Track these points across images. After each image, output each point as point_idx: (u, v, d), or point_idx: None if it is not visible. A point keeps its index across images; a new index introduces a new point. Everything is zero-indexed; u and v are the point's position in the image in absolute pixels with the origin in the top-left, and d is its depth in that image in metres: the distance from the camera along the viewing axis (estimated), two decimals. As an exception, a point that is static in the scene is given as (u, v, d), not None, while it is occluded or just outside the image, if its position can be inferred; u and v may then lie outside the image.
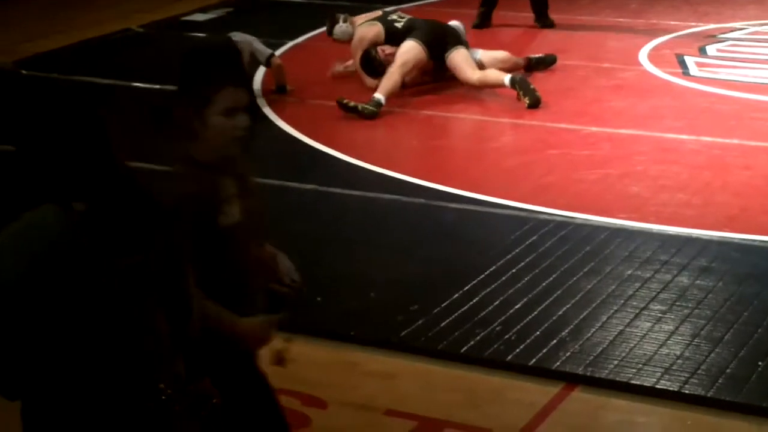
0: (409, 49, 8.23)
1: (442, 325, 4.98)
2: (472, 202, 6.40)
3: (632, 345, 4.79)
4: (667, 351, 4.73)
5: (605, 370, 4.61)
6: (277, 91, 8.50)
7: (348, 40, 8.64)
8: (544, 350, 4.76)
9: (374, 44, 8.46)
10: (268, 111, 8.18)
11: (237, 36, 8.43)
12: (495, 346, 4.79)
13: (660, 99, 8.21)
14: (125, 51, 10.16)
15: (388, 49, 8.44)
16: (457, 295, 5.25)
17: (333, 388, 4.58)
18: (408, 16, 8.65)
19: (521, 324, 4.98)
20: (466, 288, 5.32)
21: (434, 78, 8.58)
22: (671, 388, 4.48)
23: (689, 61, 9.09)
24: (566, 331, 4.91)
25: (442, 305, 5.15)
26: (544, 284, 5.35)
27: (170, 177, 3.08)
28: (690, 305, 5.12)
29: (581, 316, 5.04)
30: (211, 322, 2.94)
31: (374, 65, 8.40)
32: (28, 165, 2.55)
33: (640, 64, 9.07)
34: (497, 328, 4.95)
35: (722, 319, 4.99)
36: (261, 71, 8.83)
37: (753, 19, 10.37)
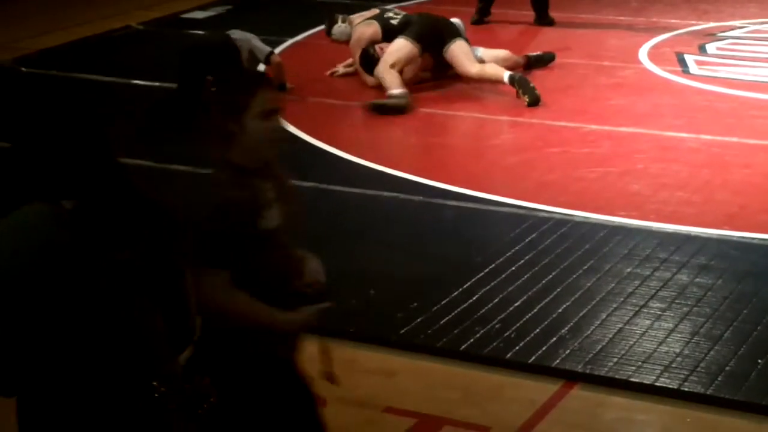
0: (400, 48, 8.24)
1: (442, 322, 4.98)
2: (472, 199, 6.40)
3: (632, 342, 4.79)
4: (666, 349, 4.74)
5: (605, 368, 4.61)
6: (276, 89, 8.48)
7: (346, 40, 8.67)
8: (544, 348, 4.76)
9: (372, 43, 8.49)
10: (267, 108, 8.17)
11: (236, 34, 8.44)
12: (494, 343, 4.80)
13: (660, 97, 8.21)
14: (125, 48, 10.16)
15: (386, 46, 8.44)
16: (456, 292, 5.25)
17: (332, 385, 4.57)
18: (404, 13, 8.67)
19: (520, 321, 4.98)
20: (466, 285, 5.32)
21: (434, 75, 8.59)
22: (671, 386, 4.48)
23: (689, 59, 9.09)
24: (566, 328, 4.91)
25: (442, 303, 5.15)
26: (543, 282, 5.35)
27: (210, 183, 3.09)
28: (689, 303, 5.12)
29: (581, 314, 5.04)
30: (249, 317, 2.97)
31: (373, 63, 8.41)
32: (22, 162, 2.55)
33: (640, 63, 9.07)
34: (496, 326, 4.95)
35: (722, 316, 5.00)
36: (260, 69, 8.82)
37: (753, 17, 10.37)
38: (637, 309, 5.08)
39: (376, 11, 8.74)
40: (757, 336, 4.83)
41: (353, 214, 6.31)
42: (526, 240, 5.81)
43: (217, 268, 2.96)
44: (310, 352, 3.25)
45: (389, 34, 8.44)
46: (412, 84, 8.41)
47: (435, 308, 5.10)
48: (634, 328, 4.92)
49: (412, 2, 11.15)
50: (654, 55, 9.24)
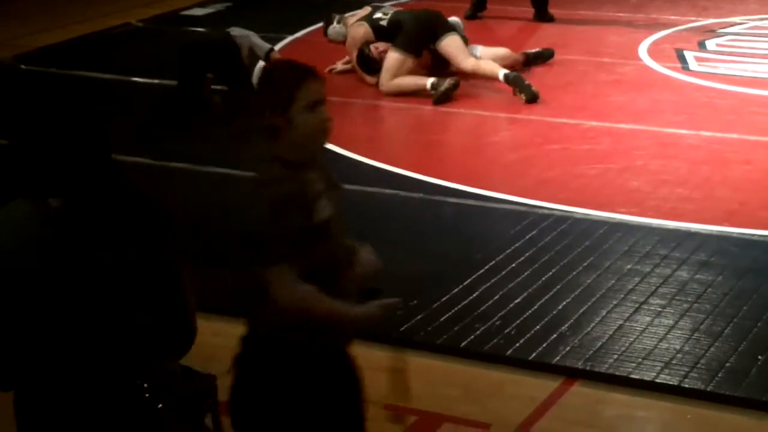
0: (393, 63, 8.25)
1: (442, 319, 4.98)
2: (472, 196, 6.39)
3: (632, 339, 4.79)
4: (666, 345, 4.74)
5: (605, 365, 4.61)
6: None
7: (342, 40, 8.73)
8: (544, 345, 4.76)
9: (366, 43, 8.51)
10: (267, 106, 8.17)
11: (236, 31, 8.44)
12: (494, 340, 4.80)
13: (659, 94, 8.20)
14: (124, 46, 10.15)
15: (381, 45, 8.47)
16: (456, 289, 5.25)
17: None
18: (392, 11, 8.67)
19: (521, 318, 4.98)
20: (466, 282, 5.32)
21: (433, 72, 8.58)
22: (671, 383, 4.48)
23: (689, 55, 9.09)
24: (566, 325, 4.91)
25: (442, 300, 5.15)
26: (543, 279, 5.35)
27: (261, 180, 3.07)
28: (689, 299, 5.12)
29: (581, 311, 5.04)
30: (319, 310, 2.98)
31: (370, 62, 8.45)
32: (16, 158, 2.54)
33: (639, 59, 9.06)
34: (497, 323, 4.95)
35: (722, 313, 5.00)
36: (260, 66, 8.82)
37: (752, 13, 10.37)
38: (637, 306, 5.08)
39: (367, 10, 8.78)
40: (757, 332, 4.83)
41: (352, 212, 6.27)
42: (526, 237, 5.81)
43: (284, 263, 2.95)
44: (383, 366, 3.25)
45: (380, 33, 8.49)
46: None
47: (435, 305, 5.09)
48: (635, 324, 4.92)
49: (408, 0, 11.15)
50: (654, 51, 9.23)
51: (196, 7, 11.31)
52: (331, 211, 3.07)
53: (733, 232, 5.81)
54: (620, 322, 4.93)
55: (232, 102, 8.10)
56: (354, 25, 8.66)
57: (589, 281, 5.32)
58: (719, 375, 4.51)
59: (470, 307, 5.08)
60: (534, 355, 4.69)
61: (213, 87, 8.14)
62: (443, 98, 7.98)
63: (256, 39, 8.44)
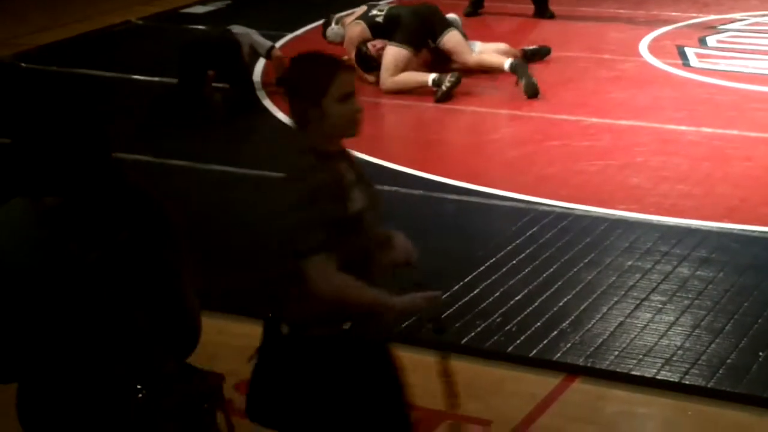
0: (392, 58, 8.24)
1: (443, 316, 4.96)
2: (472, 193, 6.39)
3: (633, 336, 4.79)
4: (667, 342, 4.74)
5: (606, 361, 4.61)
6: (277, 84, 8.49)
7: (340, 41, 8.75)
8: (545, 341, 4.76)
9: (364, 41, 8.51)
10: (268, 103, 8.18)
11: (236, 28, 8.44)
12: (495, 337, 4.80)
13: (660, 90, 8.20)
14: (125, 44, 10.15)
15: (378, 43, 8.47)
16: (457, 286, 5.25)
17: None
18: (388, 7, 8.67)
19: (521, 315, 4.98)
20: (467, 279, 5.32)
21: (433, 69, 8.58)
22: (672, 379, 4.48)
23: (689, 52, 9.08)
24: (567, 322, 4.91)
25: (443, 297, 5.13)
26: (544, 275, 5.35)
27: (295, 170, 3.07)
28: (690, 296, 5.12)
29: (581, 308, 5.04)
30: (360, 299, 2.99)
31: (367, 61, 8.46)
32: (15, 157, 2.54)
33: (640, 56, 9.06)
34: (497, 320, 4.95)
35: (723, 309, 4.99)
36: (261, 63, 8.83)
37: (753, 10, 10.36)
38: (638, 302, 5.08)
39: (363, 9, 8.79)
40: (758, 329, 4.83)
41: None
42: (527, 234, 5.81)
43: (322, 253, 2.96)
44: (430, 370, 3.25)
45: (377, 31, 8.50)
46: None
47: (436, 302, 5.09)
48: (635, 321, 4.92)
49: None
50: (654, 47, 9.22)
51: (197, 5, 11.31)
52: (364, 203, 3.08)
53: (734, 229, 5.81)
54: (621, 319, 4.93)
55: (232, 99, 8.10)
56: (351, 25, 8.68)
57: (589, 278, 5.32)
58: (720, 371, 4.51)
59: (471, 303, 5.08)
60: (535, 351, 4.69)
61: (213, 84, 8.14)
62: (446, 97, 7.98)
63: (256, 37, 8.44)
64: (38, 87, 2.52)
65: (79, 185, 2.51)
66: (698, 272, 5.35)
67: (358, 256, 3.05)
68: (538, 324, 4.89)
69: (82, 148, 2.52)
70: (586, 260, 5.50)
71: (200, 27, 10.12)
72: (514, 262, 5.50)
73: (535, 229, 5.87)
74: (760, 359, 4.59)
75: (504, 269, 5.42)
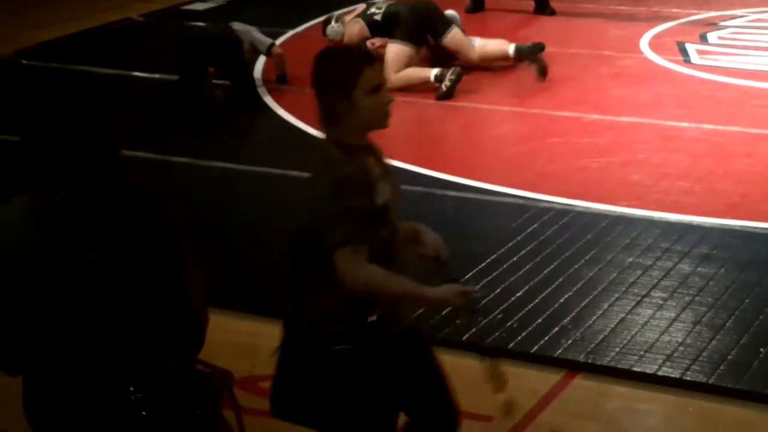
0: (395, 56, 8.24)
1: (444, 313, 4.97)
2: (473, 190, 6.39)
3: (633, 332, 4.79)
4: (668, 338, 4.74)
5: (606, 358, 4.61)
6: (277, 81, 8.49)
7: (340, 39, 8.75)
8: (546, 338, 4.76)
9: (363, 39, 8.51)
10: (268, 100, 8.18)
11: (236, 25, 8.44)
12: (496, 333, 4.79)
13: (661, 87, 8.20)
14: (125, 41, 10.15)
15: (377, 41, 8.47)
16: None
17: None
18: (386, 5, 8.67)
19: (522, 312, 4.98)
20: (468, 276, 5.32)
21: (433, 64, 8.58)
22: (673, 375, 4.48)
23: (690, 48, 9.08)
24: (567, 318, 4.91)
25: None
26: (545, 272, 5.35)
27: (322, 161, 3.08)
28: (691, 292, 5.12)
29: (582, 304, 5.04)
30: (392, 291, 3.00)
31: None
32: (23, 153, 2.54)
33: (641, 52, 9.06)
34: (498, 316, 4.95)
35: (723, 306, 4.99)
36: (261, 60, 8.82)
37: (754, 6, 10.35)
38: (639, 299, 5.08)
39: (361, 8, 8.79)
40: (759, 325, 4.83)
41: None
42: (528, 230, 5.81)
43: (351, 244, 2.96)
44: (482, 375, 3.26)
45: (375, 29, 8.51)
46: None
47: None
48: (636, 317, 4.91)
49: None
50: (655, 44, 9.22)
51: (197, 2, 11.31)
52: (389, 196, 3.08)
53: (735, 225, 5.81)
54: (622, 315, 4.93)
55: (233, 96, 8.10)
56: (349, 23, 8.69)
57: (590, 274, 5.32)
58: (721, 368, 4.51)
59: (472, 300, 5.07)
60: (536, 348, 4.69)
61: (214, 81, 8.14)
62: (448, 95, 7.97)
63: (256, 34, 8.44)
64: (48, 83, 2.52)
65: (84, 182, 2.51)
66: (699, 269, 5.35)
67: (383, 249, 3.06)
68: (539, 320, 4.89)
69: (90, 144, 2.52)
70: (587, 257, 5.50)
71: (201, 24, 10.12)
72: (515, 258, 5.50)
73: (535, 225, 5.87)
74: (761, 356, 4.59)
75: (505, 266, 5.42)
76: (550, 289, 5.18)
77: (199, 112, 7.87)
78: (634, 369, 4.53)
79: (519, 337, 4.77)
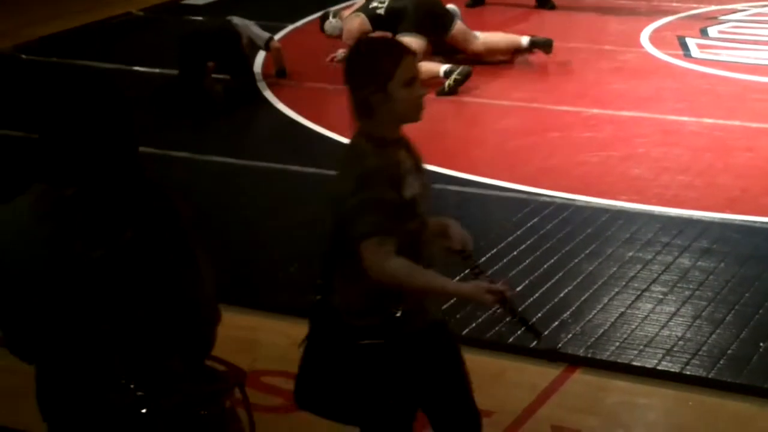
0: (409, 46, 8.22)
1: (443, 308, 4.95)
2: (473, 184, 6.39)
3: (633, 327, 4.79)
4: (668, 332, 4.73)
5: (606, 352, 4.61)
6: (276, 75, 8.49)
7: (339, 34, 8.70)
8: (546, 332, 4.74)
9: (363, 34, 8.47)
10: (268, 94, 8.17)
11: (234, 20, 8.43)
12: (496, 328, 4.79)
13: (661, 81, 8.19)
14: (125, 35, 10.14)
15: (378, 35, 8.44)
16: (458, 278, 5.23)
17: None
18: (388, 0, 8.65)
19: (522, 306, 4.94)
20: (468, 270, 5.30)
21: (434, 58, 8.57)
22: (672, 370, 4.48)
23: (691, 42, 9.07)
24: (567, 313, 4.91)
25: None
26: (545, 266, 5.34)
27: (352, 153, 3.08)
28: (691, 287, 5.12)
29: (582, 298, 5.04)
30: (418, 284, 2.99)
31: None
32: (41, 146, 2.53)
33: (641, 46, 9.05)
34: (498, 311, 4.91)
35: (723, 300, 4.99)
36: (261, 55, 8.82)
37: (754, 0, 10.34)
38: (639, 293, 5.07)
39: (362, 1, 8.76)
40: (759, 319, 4.83)
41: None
42: (528, 225, 5.81)
43: (378, 236, 2.96)
44: None
45: (377, 23, 8.45)
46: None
47: (437, 293, 5.08)
48: (636, 312, 4.91)
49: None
50: (655, 38, 9.21)
51: (197, -4, 11.31)
52: (418, 190, 3.08)
53: (735, 219, 5.81)
54: (622, 310, 4.93)
55: (233, 91, 8.09)
56: (349, 17, 8.64)
57: (590, 269, 5.32)
58: (721, 362, 4.51)
59: (472, 295, 5.07)
60: (536, 342, 4.68)
61: (214, 76, 8.14)
62: (450, 93, 7.95)
63: (254, 28, 8.43)
64: (69, 77, 2.52)
65: (98, 176, 2.51)
66: (699, 263, 5.35)
67: (411, 242, 3.05)
68: (539, 315, 4.89)
69: (108, 139, 2.52)
70: (587, 251, 5.50)
71: (200, 18, 10.11)
72: (515, 253, 5.50)
73: (535, 220, 5.87)
74: (761, 350, 4.58)
75: (505, 260, 5.42)
76: (550, 283, 5.18)
77: (198, 107, 7.87)
78: (634, 363, 4.53)
79: (519, 332, 4.76)
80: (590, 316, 4.88)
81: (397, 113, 3.04)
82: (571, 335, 4.73)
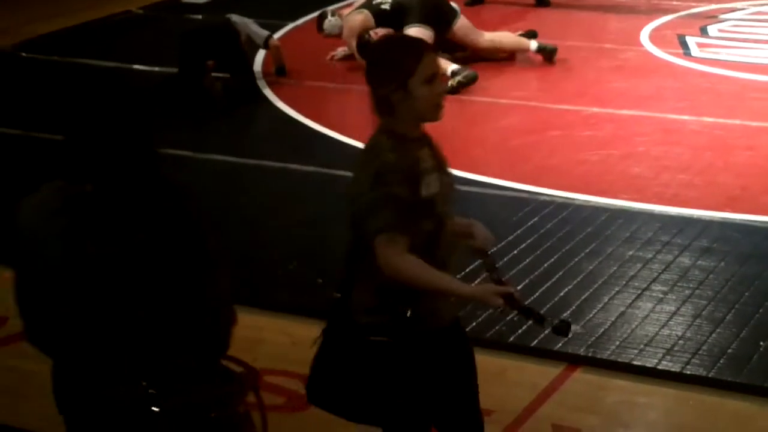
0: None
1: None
2: (474, 183, 6.39)
3: (634, 326, 4.79)
4: (668, 332, 4.74)
5: (607, 351, 4.61)
6: (276, 73, 8.48)
7: (338, 32, 8.68)
8: (546, 331, 4.75)
9: (366, 30, 8.46)
10: (268, 92, 8.17)
11: (233, 18, 8.43)
12: (497, 327, 4.79)
13: (661, 80, 8.19)
14: (125, 33, 10.14)
15: (381, 31, 8.43)
16: (458, 276, 5.23)
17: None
18: None
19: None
20: (467, 270, 5.31)
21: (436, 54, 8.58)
22: (673, 369, 4.48)
23: (690, 41, 9.07)
24: (568, 312, 4.91)
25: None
26: (545, 265, 5.34)
27: (370, 149, 3.08)
28: (691, 286, 5.12)
29: (582, 297, 5.04)
30: (428, 282, 2.99)
31: None
32: (65, 145, 2.54)
33: (641, 45, 9.05)
34: (498, 309, 4.92)
35: (724, 299, 4.99)
36: (261, 53, 8.81)
37: (754, -1, 10.35)
38: (639, 292, 5.08)
39: None
40: (759, 318, 4.83)
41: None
42: (528, 224, 5.81)
43: (392, 232, 2.96)
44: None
45: (383, 19, 8.42)
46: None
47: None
48: (636, 311, 4.91)
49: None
50: (655, 37, 9.21)
51: (197, -5, 11.31)
52: (437, 189, 3.07)
53: (735, 218, 5.81)
54: (622, 309, 4.93)
55: (233, 89, 8.09)
56: (351, 14, 8.62)
57: (590, 268, 5.32)
58: (721, 361, 4.51)
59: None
60: (536, 341, 4.69)
61: (213, 74, 8.13)
62: (451, 92, 7.95)
63: (253, 27, 8.43)
64: (93, 77, 2.52)
65: (118, 175, 2.52)
66: (699, 262, 5.35)
67: (426, 241, 3.05)
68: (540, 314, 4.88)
69: (128, 139, 2.53)
70: (587, 250, 5.50)
71: (200, 17, 10.10)
72: (515, 252, 5.50)
73: (536, 219, 5.87)
74: (761, 349, 4.59)
75: (505, 259, 5.41)
76: (550, 282, 5.18)
77: (198, 105, 7.86)
78: (635, 362, 4.53)
79: (519, 331, 4.77)
80: (590, 316, 4.88)
81: (417, 111, 3.04)
82: (571, 334, 4.72)
